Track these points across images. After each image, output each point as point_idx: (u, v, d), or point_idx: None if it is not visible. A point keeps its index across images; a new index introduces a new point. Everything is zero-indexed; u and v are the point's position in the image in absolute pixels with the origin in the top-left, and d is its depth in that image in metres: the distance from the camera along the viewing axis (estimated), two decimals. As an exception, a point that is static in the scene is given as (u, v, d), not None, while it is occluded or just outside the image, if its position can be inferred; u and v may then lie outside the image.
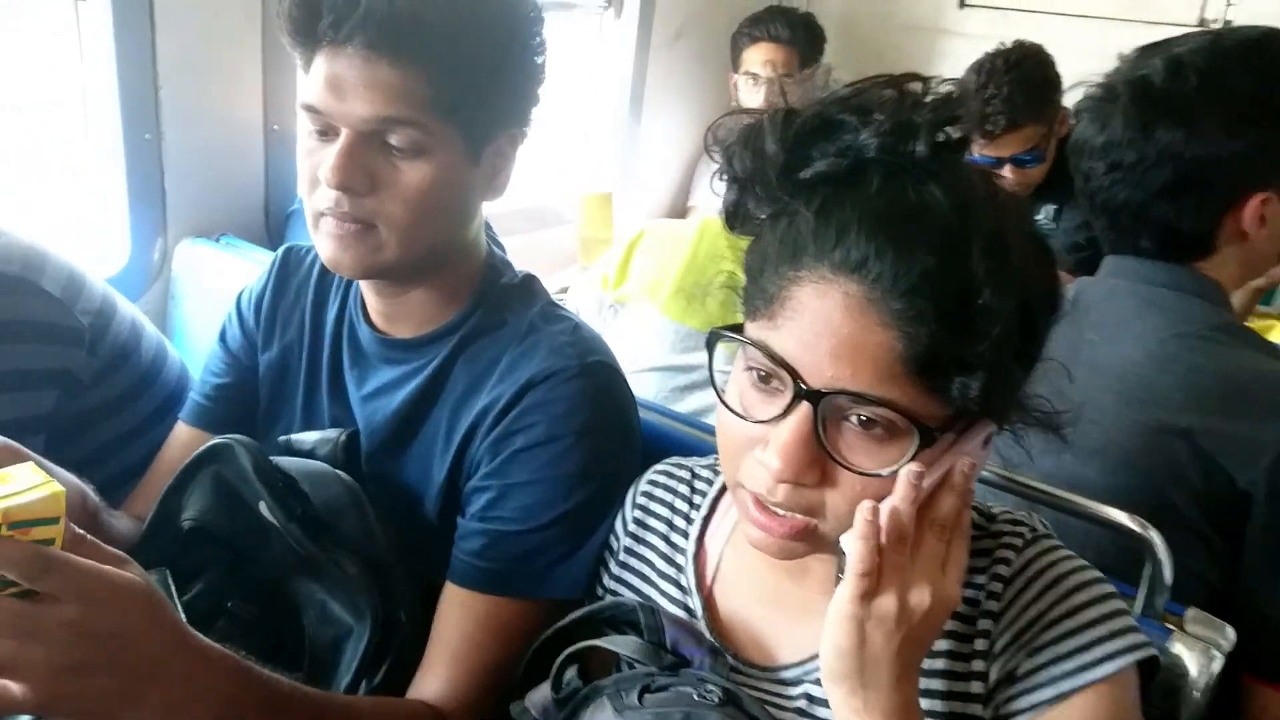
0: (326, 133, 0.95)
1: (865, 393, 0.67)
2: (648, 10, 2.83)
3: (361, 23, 0.89)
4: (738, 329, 0.76)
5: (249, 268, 1.65)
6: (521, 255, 1.17)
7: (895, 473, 0.68)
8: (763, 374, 0.72)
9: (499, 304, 1.07)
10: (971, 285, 0.66)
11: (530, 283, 1.11)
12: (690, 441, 1.20)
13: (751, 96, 2.66)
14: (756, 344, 0.71)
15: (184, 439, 1.18)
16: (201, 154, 1.81)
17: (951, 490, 0.70)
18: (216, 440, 1.03)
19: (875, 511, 0.67)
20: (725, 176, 0.77)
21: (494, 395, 1.00)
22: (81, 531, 0.68)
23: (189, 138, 1.79)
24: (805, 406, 0.68)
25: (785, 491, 0.70)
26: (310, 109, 0.94)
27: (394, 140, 0.93)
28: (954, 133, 0.70)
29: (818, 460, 0.69)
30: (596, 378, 1.01)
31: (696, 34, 2.98)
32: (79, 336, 1.23)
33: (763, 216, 0.75)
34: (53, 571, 0.63)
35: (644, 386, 1.50)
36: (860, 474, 0.69)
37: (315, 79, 0.93)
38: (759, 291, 0.73)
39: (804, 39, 2.65)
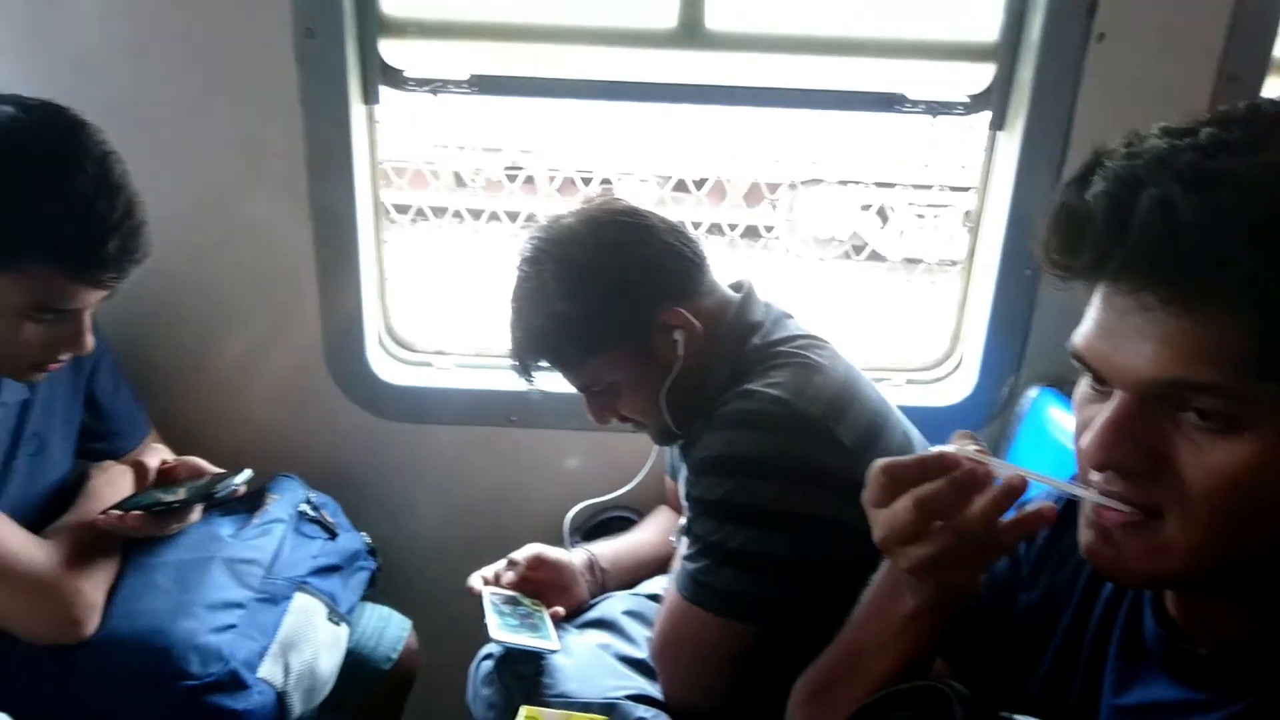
0: (1103, 381, 0.71)
1: None
2: None
3: (1132, 260, 0.64)
4: None
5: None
6: None
7: None
8: None
9: None
10: None
11: None
12: None
13: None
14: None
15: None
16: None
17: None
18: (933, 684, 0.86)
19: None
20: None
21: None
22: None
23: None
24: None
25: None
26: (1076, 355, 0.72)
27: (1191, 410, 0.65)
28: None
29: None
30: None
31: None
32: (858, 491, 1.18)
33: None
34: None
35: None
36: None
37: (1086, 319, 0.71)
38: None
39: None
